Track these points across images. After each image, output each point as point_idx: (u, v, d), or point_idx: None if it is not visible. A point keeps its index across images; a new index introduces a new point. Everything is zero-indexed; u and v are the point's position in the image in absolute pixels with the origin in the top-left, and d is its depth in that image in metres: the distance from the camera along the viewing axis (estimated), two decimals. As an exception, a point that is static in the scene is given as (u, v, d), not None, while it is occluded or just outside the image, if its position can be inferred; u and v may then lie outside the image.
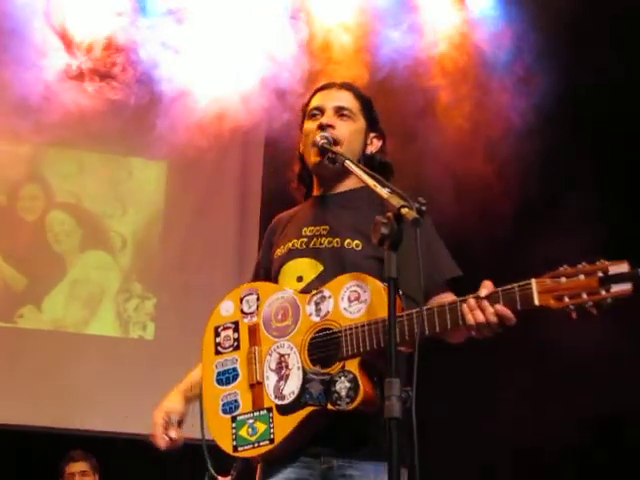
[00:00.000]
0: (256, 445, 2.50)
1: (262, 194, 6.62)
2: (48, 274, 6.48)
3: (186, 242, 6.55)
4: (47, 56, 5.07)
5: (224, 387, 2.59)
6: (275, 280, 2.73)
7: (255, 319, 2.61)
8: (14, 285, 6.40)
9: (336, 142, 2.71)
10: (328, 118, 2.76)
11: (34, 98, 5.13)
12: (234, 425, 2.54)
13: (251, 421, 2.52)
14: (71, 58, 5.17)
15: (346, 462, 2.54)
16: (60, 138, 5.88)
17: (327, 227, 2.72)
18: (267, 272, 2.82)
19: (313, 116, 2.80)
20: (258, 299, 2.63)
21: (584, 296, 2.18)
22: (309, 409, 2.48)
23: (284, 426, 2.48)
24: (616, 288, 2.15)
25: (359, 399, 2.40)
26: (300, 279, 2.67)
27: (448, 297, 2.60)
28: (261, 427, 2.50)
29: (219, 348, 2.63)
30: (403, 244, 2.23)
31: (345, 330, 2.47)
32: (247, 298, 2.65)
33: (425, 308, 2.38)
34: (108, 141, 6.38)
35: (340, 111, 2.78)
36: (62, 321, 6.44)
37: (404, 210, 2.24)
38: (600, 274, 2.17)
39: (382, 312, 2.37)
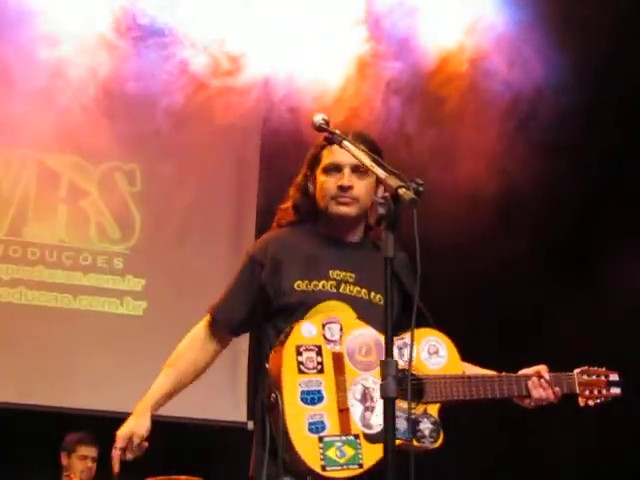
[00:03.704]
0: (345, 467, 2.62)
1: (259, 177, 6.63)
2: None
3: (183, 224, 6.55)
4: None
5: (310, 406, 2.66)
6: (300, 312, 2.81)
7: (338, 348, 2.74)
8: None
9: (355, 199, 2.87)
10: (347, 179, 2.87)
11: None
12: (321, 445, 2.62)
13: (339, 444, 2.63)
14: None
15: None
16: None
17: (353, 275, 2.88)
18: (263, 293, 2.88)
19: (329, 171, 2.90)
20: (341, 329, 2.75)
21: (595, 392, 3.05)
22: (397, 441, 2.57)
23: (373, 454, 2.62)
24: (613, 390, 3.08)
25: (440, 440, 2.74)
26: None
27: None
28: (350, 451, 2.63)
29: (302, 367, 2.69)
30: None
31: (429, 379, 2.80)
32: (330, 326, 2.75)
33: (496, 376, 2.93)
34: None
35: (357, 169, 2.87)
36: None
37: (401, 190, 2.25)
38: (603, 377, 3.07)
39: (457, 369, 2.87)
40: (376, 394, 2.64)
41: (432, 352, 2.83)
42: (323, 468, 2.60)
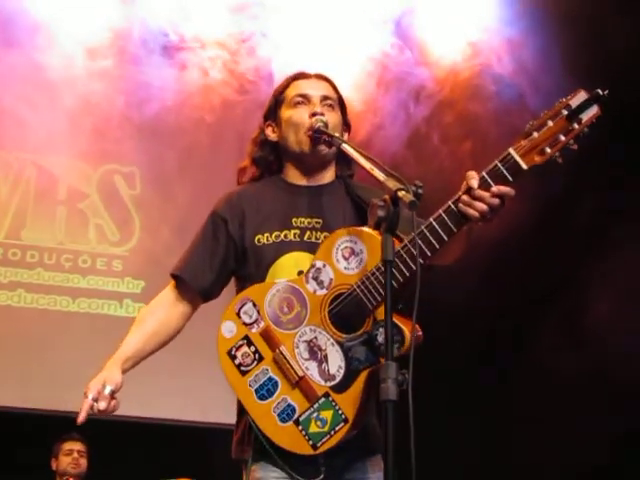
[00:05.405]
0: (333, 432, 2.48)
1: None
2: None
3: (182, 226, 6.54)
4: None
5: (270, 400, 2.54)
6: (263, 268, 2.67)
7: (263, 324, 2.58)
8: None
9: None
10: (319, 106, 2.76)
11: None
12: (300, 427, 2.50)
13: (315, 414, 2.50)
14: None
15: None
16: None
17: (320, 220, 2.71)
18: (232, 248, 2.74)
19: (297, 104, 2.78)
20: (255, 305, 2.60)
21: (562, 138, 2.24)
22: (364, 373, 2.48)
23: (350, 400, 2.48)
24: (586, 116, 2.21)
25: (408, 340, 2.38)
26: (301, 273, 2.62)
27: None
28: (328, 414, 2.49)
29: (242, 368, 2.58)
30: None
31: (358, 286, 2.49)
32: (244, 309, 2.61)
33: (424, 225, 2.40)
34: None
35: (326, 100, 2.79)
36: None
37: (401, 193, 2.23)
38: (564, 112, 2.22)
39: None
40: (321, 341, 2.52)
41: (348, 256, 2.52)
42: (314, 447, 2.49)
